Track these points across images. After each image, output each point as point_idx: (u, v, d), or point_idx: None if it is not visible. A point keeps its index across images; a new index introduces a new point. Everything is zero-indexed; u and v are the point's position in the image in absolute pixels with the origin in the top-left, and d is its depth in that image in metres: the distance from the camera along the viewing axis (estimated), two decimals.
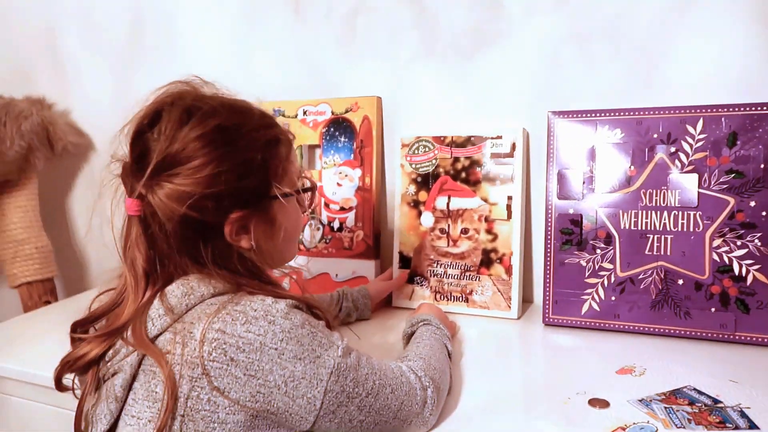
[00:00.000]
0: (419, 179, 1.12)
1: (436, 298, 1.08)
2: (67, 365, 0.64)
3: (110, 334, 0.62)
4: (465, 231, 1.06)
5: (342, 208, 1.23)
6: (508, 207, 1.04)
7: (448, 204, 1.09)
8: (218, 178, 0.61)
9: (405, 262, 1.12)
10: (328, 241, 1.24)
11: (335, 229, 1.23)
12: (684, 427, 0.70)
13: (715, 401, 0.76)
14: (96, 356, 0.62)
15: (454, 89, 1.15)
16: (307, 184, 0.76)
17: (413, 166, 1.13)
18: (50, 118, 1.43)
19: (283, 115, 1.27)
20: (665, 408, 0.75)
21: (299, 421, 0.60)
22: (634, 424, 0.71)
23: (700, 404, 0.75)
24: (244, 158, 0.64)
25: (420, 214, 1.11)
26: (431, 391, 0.69)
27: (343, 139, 1.22)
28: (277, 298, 0.61)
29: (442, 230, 1.09)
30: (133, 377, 0.61)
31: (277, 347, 0.58)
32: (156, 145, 0.61)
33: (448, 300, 1.07)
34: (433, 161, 1.11)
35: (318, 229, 1.25)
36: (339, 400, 0.60)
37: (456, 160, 1.09)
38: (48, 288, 1.47)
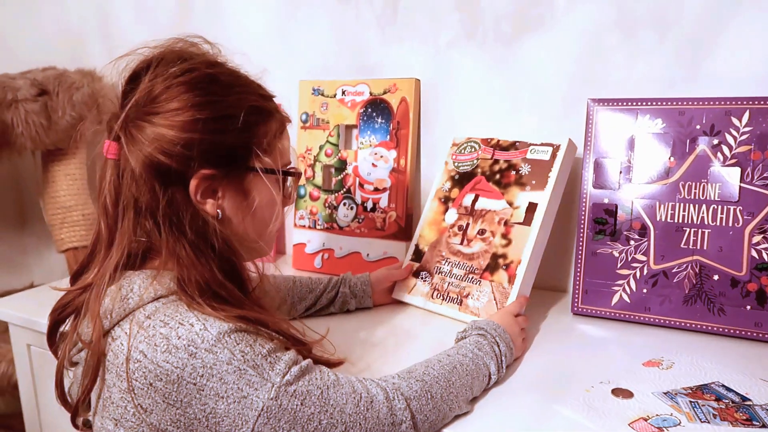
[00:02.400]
0: (457, 177, 1.11)
1: (432, 296, 1.04)
2: (55, 312, 0.65)
3: (85, 288, 0.62)
4: (482, 232, 1.02)
5: (376, 189, 1.24)
6: (529, 213, 0.98)
7: (473, 202, 1.06)
8: (195, 125, 0.59)
9: (418, 255, 1.09)
10: (360, 220, 1.25)
11: (368, 209, 1.25)
12: (708, 422, 0.69)
13: (744, 399, 0.75)
14: (78, 304, 0.63)
15: (494, 74, 1.15)
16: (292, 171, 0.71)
17: (456, 164, 1.12)
18: (100, 90, 1.48)
19: (322, 95, 1.29)
20: (690, 402, 0.74)
21: None
22: (656, 415, 0.71)
23: (727, 401, 0.74)
24: (227, 113, 0.61)
25: (447, 210, 1.09)
26: (406, 427, 0.61)
27: (380, 120, 1.23)
28: (215, 320, 0.56)
29: (459, 227, 1.06)
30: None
31: (195, 382, 0.53)
32: (143, 88, 0.60)
33: (443, 300, 1.02)
34: (474, 161, 1.09)
35: (351, 208, 1.26)
36: None
37: (495, 161, 1.07)
38: None
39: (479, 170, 1.08)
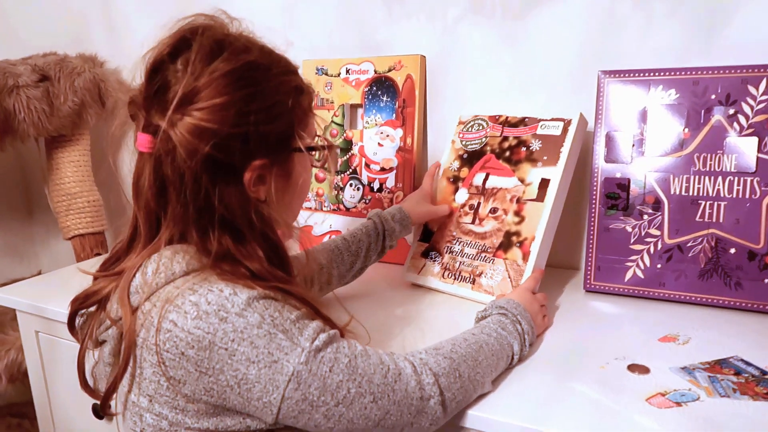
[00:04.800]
0: (465, 156, 1.08)
1: (443, 276, 1.02)
2: (76, 302, 0.64)
3: (116, 275, 0.62)
4: (494, 211, 1.00)
5: (382, 169, 1.22)
6: (542, 189, 0.96)
7: (484, 181, 1.04)
8: (246, 118, 0.57)
9: (426, 235, 1.08)
10: (367, 201, 1.24)
11: (375, 190, 1.23)
12: (728, 396, 0.68)
13: (764, 372, 0.73)
14: (106, 294, 0.62)
15: (502, 49, 1.12)
16: (324, 141, 0.71)
17: (463, 142, 1.10)
18: (102, 75, 1.47)
19: (326, 74, 1.26)
20: (709, 377, 0.72)
21: (260, 416, 0.55)
22: (674, 390, 0.69)
23: (747, 375, 0.73)
24: (274, 100, 0.61)
25: (456, 190, 1.07)
26: (434, 402, 0.60)
27: (385, 99, 1.21)
28: (244, 287, 0.56)
29: (471, 206, 1.04)
30: (119, 345, 0.61)
31: (227, 347, 0.53)
32: (181, 77, 0.57)
33: (455, 279, 1.01)
34: (483, 139, 1.07)
35: (358, 189, 1.25)
36: (300, 408, 0.54)
37: (505, 139, 1.04)
38: (99, 240, 1.52)
39: (488, 148, 1.06)
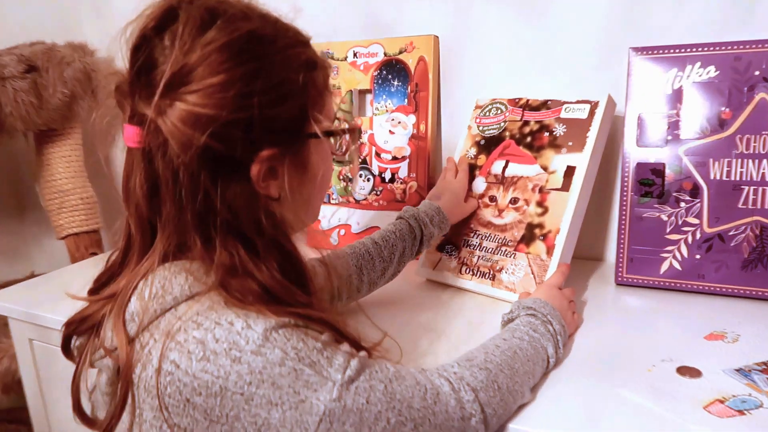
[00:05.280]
0: (482, 142, 1.01)
1: (460, 271, 0.95)
2: (70, 326, 0.56)
3: (109, 298, 0.53)
4: (514, 201, 0.93)
5: (394, 158, 1.15)
6: (568, 177, 0.89)
7: (504, 169, 0.97)
8: (249, 100, 0.48)
9: None
10: (378, 192, 1.17)
11: (386, 180, 1.16)
12: None
13: None
14: (100, 318, 0.53)
15: (521, 27, 1.04)
16: (345, 124, 0.61)
17: (480, 128, 1.02)
18: (93, 64, 1.39)
19: (332, 58, 1.19)
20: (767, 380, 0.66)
21: None
22: (733, 396, 0.63)
23: None
24: (281, 78, 0.50)
25: (473, 179, 0.99)
26: (476, 421, 0.55)
27: (396, 83, 1.14)
28: (258, 315, 0.47)
29: (491, 198, 0.96)
30: (117, 376, 0.52)
31: (243, 392, 0.45)
32: (168, 55, 0.47)
33: (473, 275, 0.94)
34: (501, 124, 0.99)
35: (368, 180, 1.18)
36: None
37: (525, 123, 0.97)
38: (94, 240, 1.45)
39: (507, 133, 0.99)
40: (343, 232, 1.21)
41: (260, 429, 0.45)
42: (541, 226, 0.89)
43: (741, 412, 0.60)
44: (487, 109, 1.03)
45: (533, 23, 1.03)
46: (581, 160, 0.89)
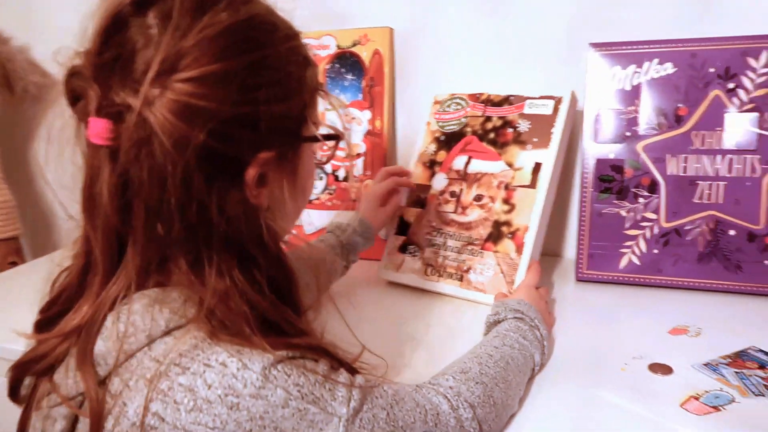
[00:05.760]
0: (442, 138, 0.98)
1: (426, 272, 0.92)
2: (19, 370, 0.48)
3: (69, 334, 0.45)
4: (478, 198, 0.91)
5: (348, 155, 1.10)
6: (535, 174, 0.87)
7: (466, 165, 0.94)
8: (254, 94, 0.43)
9: (403, 228, 0.97)
10: (332, 191, 1.12)
11: (340, 179, 1.11)
12: (763, 395, 0.63)
13: None
14: (59, 356, 0.46)
15: (480, 20, 1.02)
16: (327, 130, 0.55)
17: (440, 124, 0.99)
18: (7, 53, 1.25)
19: None
20: (736, 373, 0.67)
21: None
22: (706, 392, 0.64)
23: None
24: (286, 71, 0.45)
25: (433, 176, 0.97)
26: None
27: (350, 77, 1.09)
28: (251, 351, 0.41)
29: (452, 193, 0.94)
30: (73, 427, 0.45)
31: None
32: (155, 37, 0.41)
33: (439, 276, 0.91)
34: (462, 119, 0.97)
35: (321, 178, 1.13)
36: None
37: (488, 119, 0.95)
38: (13, 248, 1.31)
39: (469, 129, 0.97)
40: (294, 232, 1.15)
41: None
42: (508, 223, 0.88)
43: (716, 408, 0.61)
44: (447, 104, 1.00)
45: (493, 16, 1.02)
46: (547, 157, 0.88)
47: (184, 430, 0.39)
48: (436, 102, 1.02)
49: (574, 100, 0.91)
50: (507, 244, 0.87)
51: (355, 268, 0.93)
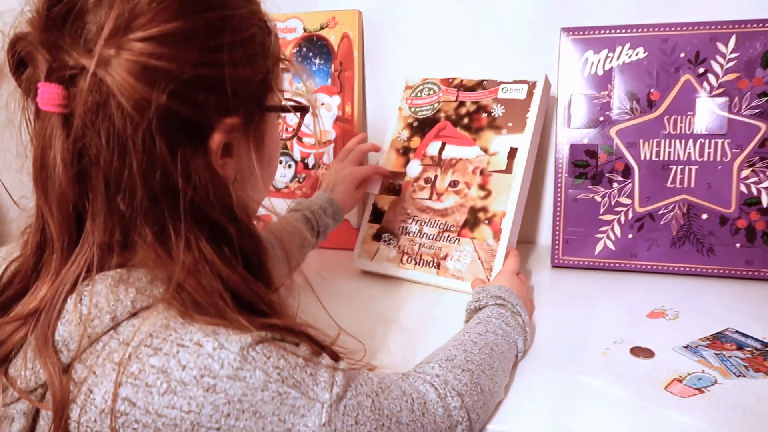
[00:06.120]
0: (415, 124, 0.96)
1: (402, 261, 0.90)
2: None
3: (27, 318, 0.42)
4: (454, 184, 0.90)
5: (318, 142, 1.07)
6: (510, 158, 0.86)
7: (440, 151, 0.93)
8: (217, 55, 0.41)
9: (377, 216, 0.94)
10: (301, 180, 1.09)
11: (310, 167, 1.08)
12: (744, 376, 0.63)
13: (765, 344, 0.69)
14: (15, 344, 0.42)
15: (451, 2, 1.00)
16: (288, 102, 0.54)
17: (412, 109, 0.97)
18: None
19: None
20: (716, 354, 0.67)
21: None
22: (689, 374, 0.63)
23: (750, 348, 0.69)
24: (249, 33, 0.43)
25: (407, 162, 0.95)
26: (462, 429, 0.51)
27: (318, 61, 1.06)
28: (227, 331, 0.39)
29: (427, 180, 0.92)
30: (34, 424, 0.41)
31: (219, 427, 0.37)
32: None
33: (416, 264, 0.89)
34: (435, 105, 0.95)
35: (289, 166, 1.09)
36: None
37: (461, 104, 0.93)
38: None
39: (442, 114, 0.95)
40: (261, 223, 1.11)
41: None
42: (484, 209, 0.86)
43: (700, 390, 0.61)
44: (419, 89, 0.98)
45: (463, 0, 1.00)
46: (522, 142, 0.87)
47: (157, 415, 0.36)
48: (408, 87, 0.99)
49: (547, 84, 0.90)
50: (484, 231, 0.86)
51: (327, 257, 0.90)
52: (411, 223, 0.91)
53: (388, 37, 1.05)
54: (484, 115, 0.91)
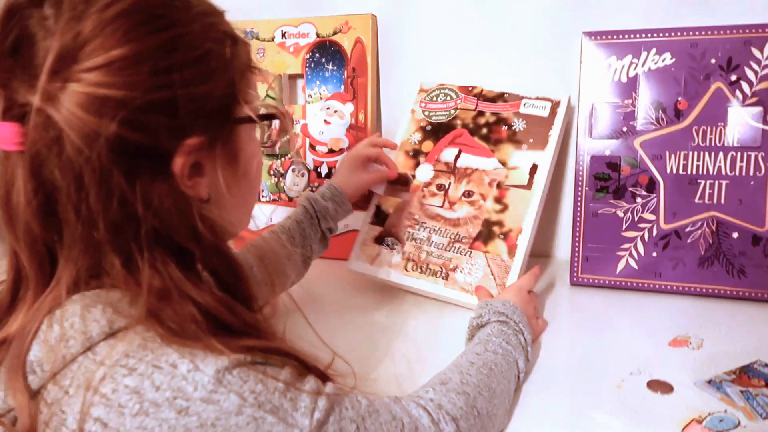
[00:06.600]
0: (429, 128, 0.93)
1: (407, 268, 0.86)
2: None
3: (1, 344, 0.42)
4: (468, 194, 0.86)
5: (331, 150, 1.05)
6: (532, 175, 0.83)
7: (456, 158, 0.89)
8: (169, 77, 0.39)
9: (380, 218, 0.91)
10: (314, 189, 1.06)
11: (323, 175, 1.06)
12: None
13: None
14: None
15: (468, 6, 0.96)
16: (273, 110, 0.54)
17: (426, 113, 0.94)
18: None
19: (257, 38, 1.06)
20: (741, 392, 0.62)
21: None
22: (709, 414, 0.59)
23: None
24: (205, 49, 0.42)
25: (416, 165, 0.92)
26: None
27: (331, 67, 1.03)
28: (205, 353, 0.38)
29: (439, 186, 0.89)
30: None
31: None
32: (51, 26, 0.38)
33: (422, 272, 0.85)
34: (452, 111, 0.92)
35: (302, 175, 1.07)
36: None
37: (480, 114, 0.90)
38: None
39: (459, 122, 0.91)
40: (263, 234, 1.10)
41: None
42: (500, 224, 0.84)
43: None
44: (434, 94, 0.95)
45: (480, 4, 0.96)
46: (543, 159, 0.84)
47: None
48: (422, 90, 0.96)
49: (570, 102, 0.86)
50: (499, 245, 0.83)
51: (323, 266, 0.88)
52: (419, 230, 0.88)
53: (402, 42, 1.01)
54: (504, 127, 0.88)
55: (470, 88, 0.92)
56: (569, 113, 0.87)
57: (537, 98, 0.87)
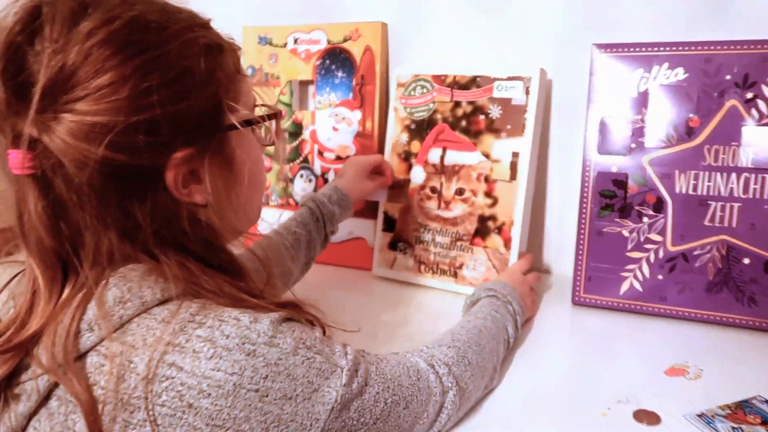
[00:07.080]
0: (413, 126, 0.93)
1: (420, 270, 0.91)
2: None
3: (15, 348, 0.44)
4: (460, 192, 0.88)
5: (338, 157, 1.05)
6: (513, 165, 0.84)
7: (442, 158, 0.89)
8: (147, 98, 0.42)
9: (389, 224, 0.94)
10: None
11: (330, 182, 1.06)
12: None
13: None
14: (2, 377, 0.44)
15: (476, 16, 0.95)
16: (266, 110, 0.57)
17: (407, 110, 0.93)
18: None
19: (271, 44, 1.07)
20: (733, 429, 0.59)
21: None
22: None
23: None
24: (181, 68, 0.44)
25: (410, 168, 0.92)
26: (453, 395, 0.56)
27: (340, 74, 1.03)
28: (257, 312, 0.45)
29: (433, 189, 0.90)
30: (41, 404, 0.43)
31: (258, 388, 0.42)
32: (40, 60, 0.41)
33: (433, 273, 0.90)
34: (430, 105, 0.91)
35: (310, 180, 1.07)
36: None
37: (457, 104, 0.89)
38: None
39: (439, 116, 0.91)
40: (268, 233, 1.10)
41: (268, 428, 0.42)
42: (493, 218, 0.86)
43: None
44: (411, 87, 0.94)
45: (490, 11, 0.94)
46: (523, 146, 0.84)
47: (203, 377, 0.41)
48: (400, 85, 0.96)
49: (543, 78, 0.85)
50: (495, 239, 0.86)
51: (344, 276, 0.90)
52: (423, 233, 0.92)
53: (412, 50, 1.01)
54: (482, 117, 0.88)
55: (443, 77, 0.92)
56: (544, 89, 0.87)
57: (508, 78, 0.86)
